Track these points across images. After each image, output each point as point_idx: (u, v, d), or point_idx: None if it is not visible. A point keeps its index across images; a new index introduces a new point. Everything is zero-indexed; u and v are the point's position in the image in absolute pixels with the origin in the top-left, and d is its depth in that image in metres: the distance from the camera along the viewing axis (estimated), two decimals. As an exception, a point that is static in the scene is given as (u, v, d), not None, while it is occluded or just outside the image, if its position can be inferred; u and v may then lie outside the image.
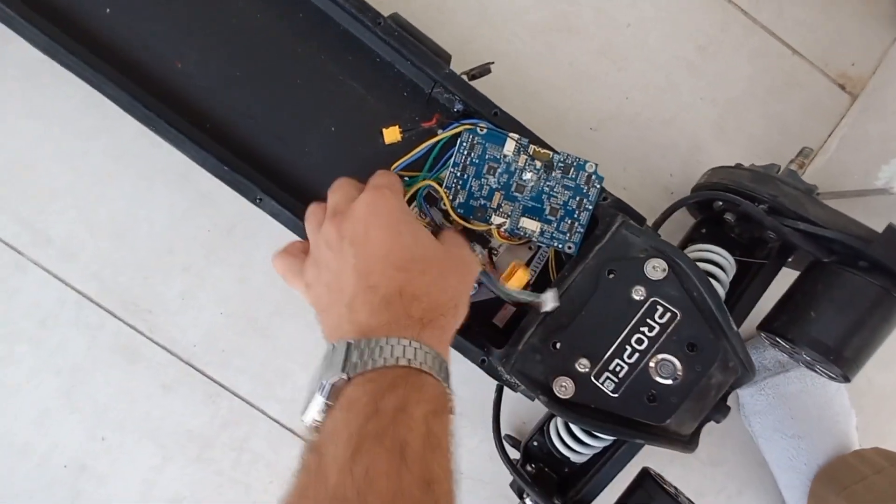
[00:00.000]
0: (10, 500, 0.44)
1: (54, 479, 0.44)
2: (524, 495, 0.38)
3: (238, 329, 0.45)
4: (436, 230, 0.33)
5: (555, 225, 0.31)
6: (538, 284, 0.36)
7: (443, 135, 0.33)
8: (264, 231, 0.44)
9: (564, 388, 0.30)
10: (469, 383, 0.45)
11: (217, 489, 0.45)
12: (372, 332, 0.24)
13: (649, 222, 0.39)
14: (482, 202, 0.31)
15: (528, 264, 0.36)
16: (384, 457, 0.20)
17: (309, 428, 0.23)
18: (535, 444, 0.39)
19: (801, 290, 0.34)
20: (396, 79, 0.35)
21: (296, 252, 0.30)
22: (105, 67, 0.32)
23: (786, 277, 0.37)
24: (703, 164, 0.43)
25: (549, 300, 0.30)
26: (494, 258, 0.36)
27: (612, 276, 0.31)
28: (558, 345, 0.31)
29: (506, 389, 0.38)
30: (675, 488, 0.34)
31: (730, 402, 0.33)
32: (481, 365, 0.34)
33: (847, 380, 0.32)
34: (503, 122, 0.33)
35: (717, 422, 0.32)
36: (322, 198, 0.36)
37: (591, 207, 0.32)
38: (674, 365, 0.29)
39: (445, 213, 0.35)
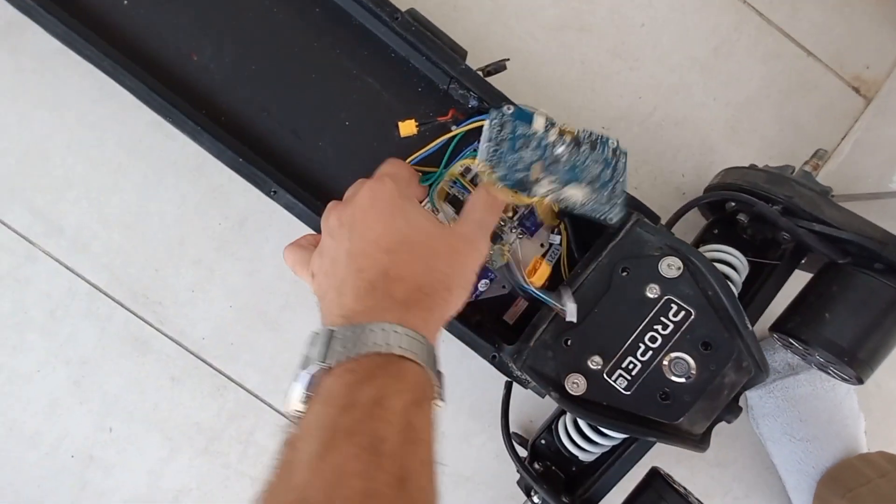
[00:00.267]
0: (18, 489, 0.44)
1: (62, 469, 0.44)
2: (532, 493, 0.38)
3: (247, 322, 0.45)
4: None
5: (594, 196, 0.30)
6: (550, 283, 0.36)
7: (458, 130, 0.33)
8: (275, 225, 0.44)
9: (576, 385, 0.30)
10: (476, 381, 0.45)
11: (223, 482, 0.45)
12: (356, 317, 0.23)
13: (662, 222, 0.39)
14: (523, 174, 0.30)
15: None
16: (356, 454, 0.19)
17: (290, 419, 0.22)
18: (543, 442, 0.39)
19: (815, 291, 0.34)
20: (411, 74, 0.35)
21: (306, 244, 0.30)
22: (123, 59, 0.32)
23: (796, 280, 0.37)
24: (716, 165, 0.43)
25: (570, 312, 0.30)
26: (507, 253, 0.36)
27: (626, 273, 0.31)
28: (570, 342, 0.31)
29: (514, 387, 0.38)
30: (685, 488, 0.34)
31: (739, 404, 0.33)
32: (492, 361, 0.34)
33: (860, 381, 0.32)
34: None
35: (729, 422, 0.32)
36: (335, 192, 0.36)
37: (622, 178, 0.31)
38: (687, 363, 0.29)
39: (460, 207, 0.35)
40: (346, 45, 0.35)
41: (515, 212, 0.36)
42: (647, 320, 0.30)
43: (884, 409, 0.46)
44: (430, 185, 0.34)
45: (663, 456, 0.37)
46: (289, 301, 0.45)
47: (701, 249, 0.37)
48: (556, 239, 0.36)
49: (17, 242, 0.44)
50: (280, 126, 0.35)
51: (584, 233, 0.35)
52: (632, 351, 0.30)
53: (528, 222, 0.36)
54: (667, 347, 0.29)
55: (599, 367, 0.30)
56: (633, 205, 0.33)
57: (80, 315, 0.44)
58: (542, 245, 0.36)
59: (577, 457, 0.36)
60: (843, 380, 0.34)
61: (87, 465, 0.44)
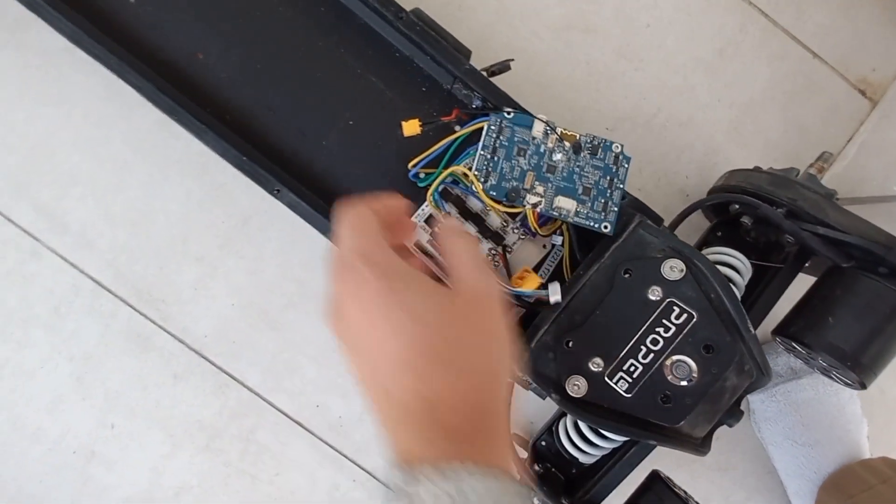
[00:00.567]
0: (21, 484, 0.44)
1: (64, 464, 0.44)
2: (531, 495, 0.38)
3: (249, 321, 0.45)
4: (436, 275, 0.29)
5: (589, 205, 0.30)
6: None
7: (462, 131, 0.33)
8: (278, 224, 0.44)
9: (577, 387, 0.30)
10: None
11: (224, 479, 0.45)
12: (412, 463, 0.18)
13: (665, 224, 0.39)
14: (514, 183, 0.30)
15: (541, 263, 0.36)
16: None
17: None
18: (544, 443, 0.39)
19: (819, 295, 0.34)
20: (415, 73, 0.35)
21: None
22: (129, 57, 0.32)
23: (800, 283, 0.36)
24: (720, 167, 0.43)
25: (553, 293, 0.30)
26: (508, 255, 0.36)
27: (628, 275, 0.30)
28: (571, 343, 0.31)
29: (515, 388, 0.38)
30: (685, 492, 0.34)
31: (741, 407, 0.33)
32: (493, 362, 0.33)
33: (863, 386, 0.31)
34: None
35: (730, 426, 0.32)
36: (339, 190, 0.36)
37: (622, 186, 0.31)
38: (689, 366, 0.29)
39: (462, 208, 0.35)
40: (350, 44, 0.35)
41: (517, 214, 0.36)
42: (648, 322, 0.30)
43: (887, 414, 0.46)
44: (432, 186, 0.34)
45: (664, 459, 0.37)
46: (291, 300, 0.45)
47: (704, 252, 0.37)
48: (559, 240, 0.35)
49: (22, 238, 0.44)
50: (285, 124, 0.35)
51: (586, 234, 0.35)
52: (633, 353, 0.29)
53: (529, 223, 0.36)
54: (668, 350, 0.29)
55: (600, 369, 0.30)
56: (636, 206, 0.33)
57: (83, 312, 0.44)
58: (543, 246, 0.36)
59: (577, 459, 0.36)
60: (846, 384, 0.34)
61: (89, 461, 0.45)
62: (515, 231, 0.36)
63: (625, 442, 0.34)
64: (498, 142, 0.31)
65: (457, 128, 0.35)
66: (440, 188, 0.34)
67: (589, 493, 0.35)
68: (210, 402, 0.45)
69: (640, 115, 0.45)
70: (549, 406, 0.44)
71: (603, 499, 0.35)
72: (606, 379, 0.30)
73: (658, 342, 0.29)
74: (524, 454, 0.40)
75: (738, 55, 0.45)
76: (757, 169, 0.38)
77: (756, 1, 0.45)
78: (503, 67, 0.34)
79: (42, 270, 0.44)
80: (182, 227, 0.44)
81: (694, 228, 0.42)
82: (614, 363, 0.30)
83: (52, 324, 0.44)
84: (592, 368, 0.30)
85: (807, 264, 0.37)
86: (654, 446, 0.33)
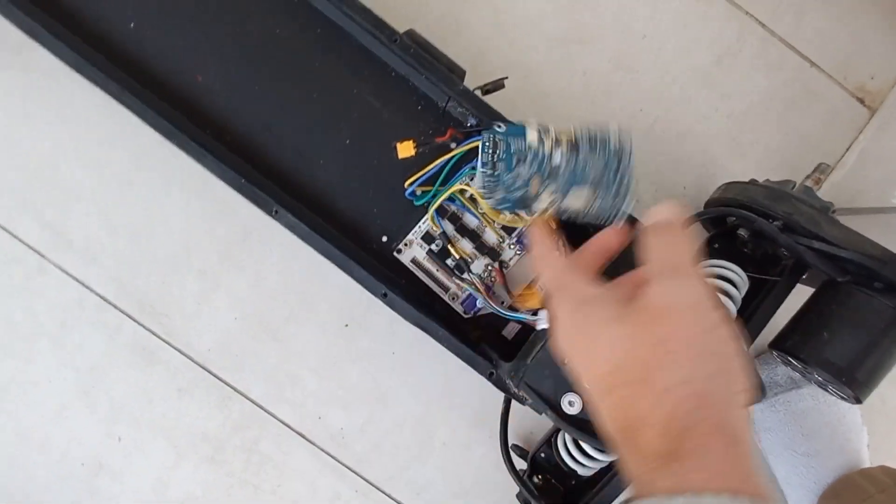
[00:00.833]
0: (28, 494, 0.45)
1: (71, 475, 0.45)
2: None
3: (251, 333, 0.45)
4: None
5: (600, 199, 0.29)
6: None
7: (456, 150, 0.33)
8: (278, 237, 0.45)
9: (572, 404, 0.30)
10: (477, 390, 0.46)
11: (228, 490, 0.46)
12: (643, 489, 0.17)
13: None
14: (522, 192, 0.29)
15: (537, 279, 0.36)
16: None
17: None
18: (543, 455, 0.39)
19: (814, 309, 0.34)
20: (411, 92, 0.36)
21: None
22: (129, 80, 0.33)
23: (799, 294, 0.37)
24: (717, 178, 0.43)
25: (542, 320, 0.30)
26: (505, 271, 0.36)
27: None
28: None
29: (514, 400, 0.38)
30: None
31: None
32: (489, 378, 0.34)
33: (859, 401, 0.32)
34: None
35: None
36: (337, 209, 0.36)
37: (629, 169, 0.30)
38: (683, 384, 0.29)
39: (459, 224, 0.36)
40: (346, 64, 0.35)
41: (513, 228, 0.36)
42: (643, 340, 0.30)
43: (888, 423, 0.46)
44: (429, 204, 0.34)
45: (662, 470, 0.38)
46: (293, 313, 0.45)
47: (701, 264, 0.37)
48: (555, 255, 0.36)
49: (28, 255, 0.45)
50: (282, 144, 0.36)
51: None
52: (628, 371, 0.30)
53: (526, 239, 0.36)
54: (663, 367, 0.29)
55: (595, 386, 0.30)
56: (630, 221, 0.33)
57: (88, 326, 0.45)
58: (540, 261, 0.37)
59: (575, 471, 0.36)
60: (843, 398, 0.34)
61: (96, 472, 0.46)
62: (512, 247, 0.36)
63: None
64: (496, 156, 0.30)
65: (453, 145, 0.35)
66: (437, 204, 0.35)
67: (587, 506, 0.36)
68: (214, 414, 0.46)
69: (637, 125, 0.45)
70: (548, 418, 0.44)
71: (601, 511, 0.36)
72: (601, 396, 0.30)
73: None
74: (524, 465, 0.40)
75: (736, 65, 0.45)
76: (753, 181, 0.38)
77: (753, 11, 0.45)
78: (497, 86, 0.34)
79: (48, 285, 0.45)
80: (184, 242, 0.45)
81: (691, 240, 0.42)
82: (609, 380, 0.30)
83: (58, 337, 0.45)
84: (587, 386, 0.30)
85: (804, 276, 0.37)
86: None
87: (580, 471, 0.36)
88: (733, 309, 0.34)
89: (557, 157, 0.30)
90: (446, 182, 0.34)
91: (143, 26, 0.35)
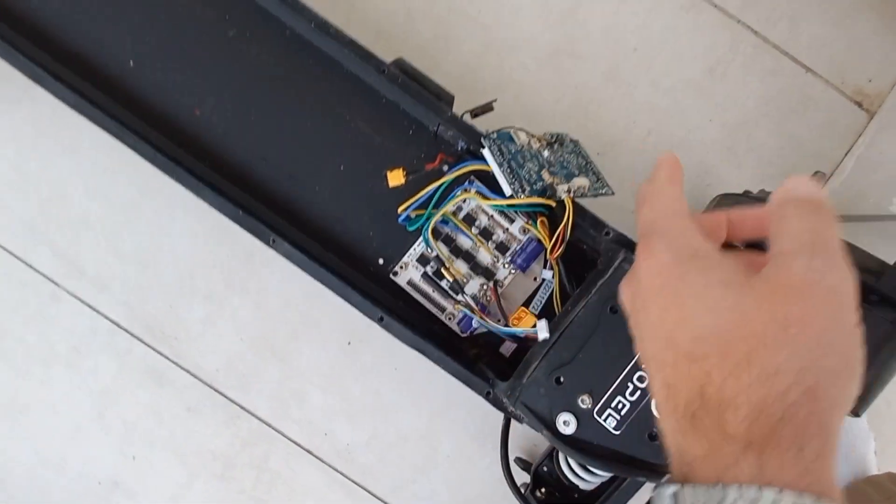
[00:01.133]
0: (50, 514, 0.47)
1: (89, 493, 0.47)
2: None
3: (256, 353, 0.47)
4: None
5: (589, 180, 0.35)
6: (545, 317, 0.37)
7: (447, 177, 0.34)
8: (279, 260, 0.46)
9: (567, 424, 0.30)
10: (480, 404, 0.46)
11: (239, 506, 0.47)
12: (692, 471, 0.16)
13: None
14: (542, 182, 0.33)
15: (532, 297, 0.37)
16: None
17: None
18: (545, 469, 0.40)
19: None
20: (402, 117, 0.36)
21: None
22: (129, 117, 0.34)
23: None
24: (713, 187, 0.43)
25: (540, 329, 0.31)
26: (500, 290, 0.37)
27: (614, 312, 0.31)
28: (562, 379, 0.31)
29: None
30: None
31: None
32: (486, 397, 0.34)
33: (857, 415, 0.31)
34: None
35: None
36: (333, 235, 0.37)
37: (590, 159, 0.36)
38: (676, 403, 0.29)
39: (453, 246, 0.36)
40: (338, 92, 0.36)
41: (507, 248, 0.36)
42: (635, 360, 0.30)
43: (895, 428, 0.45)
44: (423, 227, 0.35)
45: (664, 482, 0.38)
46: (295, 331, 0.46)
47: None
48: (548, 274, 0.36)
49: (42, 283, 0.46)
50: (278, 172, 0.37)
51: (576, 267, 0.36)
52: (620, 390, 0.30)
53: (519, 259, 0.36)
54: (655, 386, 0.30)
55: (589, 406, 0.30)
56: (621, 242, 0.33)
57: (101, 350, 0.47)
58: (535, 279, 0.37)
59: (577, 485, 0.37)
60: (842, 411, 0.34)
61: (112, 491, 0.47)
62: (506, 266, 0.37)
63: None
64: (507, 157, 0.33)
65: (445, 167, 0.36)
66: (431, 227, 0.35)
67: (589, 520, 0.36)
68: (222, 432, 0.47)
69: (630, 138, 0.45)
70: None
71: (602, 525, 0.36)
72: (595, 416, 0.30)
73: (644, 379, 0.30)
74: (527, 478, 0.40)
75: (729, 74, 0.45)
76: (746, 193, 0.38)
77: (745, 19, 0.45)
78: (486, 108, 0.34)
79: (61, 312, 0.46)
80: (189, 266, 0.46)
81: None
82: (602, 400, 0.30)
83: (72, 362, 0.47)
84: (581, 406, 0.30)
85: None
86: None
87: (582, 485, 0.37)
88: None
89: (546, 152, 0.34)
90: (439, 205, 0.35)
91: (142, 64, 0.36)
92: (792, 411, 0.15)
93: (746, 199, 0.37)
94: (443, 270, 0.36)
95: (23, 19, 0.36)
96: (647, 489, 0.35)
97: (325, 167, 0.36)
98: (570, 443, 0.30)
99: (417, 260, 0.37)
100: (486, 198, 0.35)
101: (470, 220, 0.36)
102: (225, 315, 0.46)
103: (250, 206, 0.34)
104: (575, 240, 0.34)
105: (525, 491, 0.40)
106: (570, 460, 0.37)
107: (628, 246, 0.34)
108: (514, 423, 0.41)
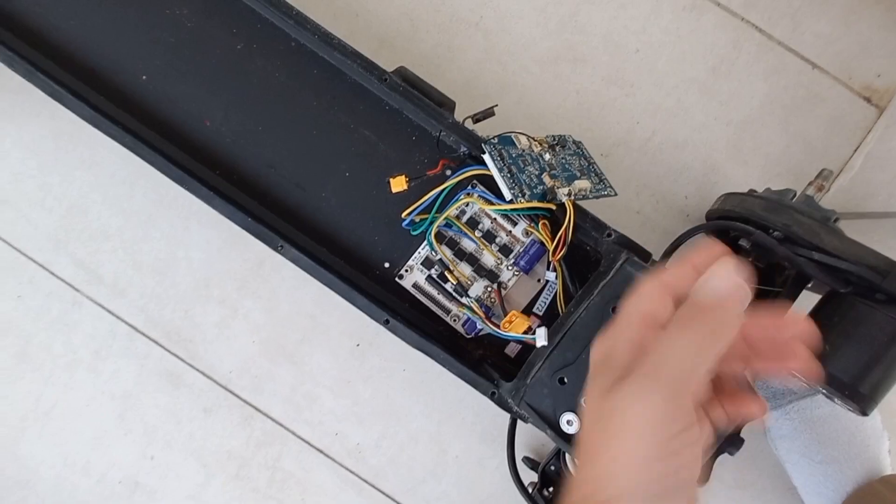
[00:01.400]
0: (74, 513, 0.49)
1: (112, 494, 0.49)
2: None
3: (269, 356, 0.48)
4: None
5: (590, 182, 0.35)
6: (548, 319, 0.37)
7: (449, 182, 0.35)
8: (289, 265, 0.47)
9: (571, 423, 0.31)
10: (489, 405, 0.46)
11: (255, 505, 0.48)
12: None
13: (663, 246, 0.40)
14: (542, 186, 0.33)
15: (536, 299, 0.37)
16: None
17: None
18: (553, 468, 0.40)
19: (816, 321, 0.33)
20: (405, 124, 0.37)
21: None
22: (144, 129, 0.35)
23: (808, 301, 0.36)
24: (719, 186, 0.43)
25: (539, 337, 0.32)
26: (504, 292, 0.37)
27: (616, 313, 0.31)
28: (566, 380, 0.32)
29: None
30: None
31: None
32: (491, 398, 0.35)
33: (865, 414, 0.31)
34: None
35: (731, 454, 0.32)
36: (339, 240, 0.38)
37: (593, 160, 0.37)
38: (678, 402, 0.29)
39: (456, 249, 0.37)
40: (342, 101, 0.37)
41: (510, 250, 0.37)
42: (637, 360, 0.30)
43: (911, 428, 0.44)
44: (427, 230, 0.36)
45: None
46: (306, 335, 0.47)
47: (700, 278, 0.37)
48: (552, 276, 0.37)
49: (64, 290, 0.48)
50: (285, 180, 0.38)
51: (579, 268, 0.36)
52: (623, 390, 0.30)
53: (522, 261, 0.37)
54: (658, 386, 0.30)
55: (592, 406, 0.31)
56: (623, 243, 0.34)
57: (121, 354, 0.48)
58: (538, 281, 0.38)
59: (582, 485, 0.37)
60: (849, 409, 0.34)
61: (133, 490, 0.49)
62: (510, 268, 0.37)
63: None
64: (508, 161, 0.33)
65: (448, 172, 0.36)
66: (434, 231, 0.36)
67: (595, 520, 0.36)
68: (237, 432, 0.48)
69: (634, 139, 0.45)
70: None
71: (609, 525, 0.36)
72: (598, 415, 0.30)
73: (647, 379, 0.30)
74: (535, 477, 0.41)
75: (733, 72, 0.45)
76: (751, 192, 0.38)
77: (749, 16, 0.45)
78: (487, 114, 0.35)
79: (83, 318, 0.48)
80: (204, 273, 0.48)
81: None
82: (605, 400, 0.30)
83: (94, 366, 0.48)
84: (584, 405, 0.31)
85: (809, 286, 0.36)
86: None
87: (587, 485, 0.37)
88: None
89: (547, 156, 0.34)
90: (442, 209, 0.36)
91: (154, 78, 0.37)
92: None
93: (750, 197, 0.37)
94: (447, 273, 0.36)
95: (42, 39, 0.38)
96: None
97: (330, 174, 0.37)
98: (574, 441, 0.31)
99: (422, 263, 0.37)
100: (487, 202, 0.35)
101: (473, 223, 0.37)
102: (238, 320, 0.48)
103: (258, 214, 0.35)
104: (577, 241, 0.35)
105: (533, 490, 0.40)
106: (576, 459, 0.37)
107: (630, 247, 0.34)
108: (521, 422, 0.41)
